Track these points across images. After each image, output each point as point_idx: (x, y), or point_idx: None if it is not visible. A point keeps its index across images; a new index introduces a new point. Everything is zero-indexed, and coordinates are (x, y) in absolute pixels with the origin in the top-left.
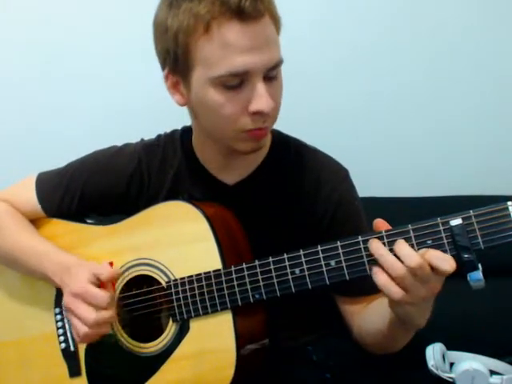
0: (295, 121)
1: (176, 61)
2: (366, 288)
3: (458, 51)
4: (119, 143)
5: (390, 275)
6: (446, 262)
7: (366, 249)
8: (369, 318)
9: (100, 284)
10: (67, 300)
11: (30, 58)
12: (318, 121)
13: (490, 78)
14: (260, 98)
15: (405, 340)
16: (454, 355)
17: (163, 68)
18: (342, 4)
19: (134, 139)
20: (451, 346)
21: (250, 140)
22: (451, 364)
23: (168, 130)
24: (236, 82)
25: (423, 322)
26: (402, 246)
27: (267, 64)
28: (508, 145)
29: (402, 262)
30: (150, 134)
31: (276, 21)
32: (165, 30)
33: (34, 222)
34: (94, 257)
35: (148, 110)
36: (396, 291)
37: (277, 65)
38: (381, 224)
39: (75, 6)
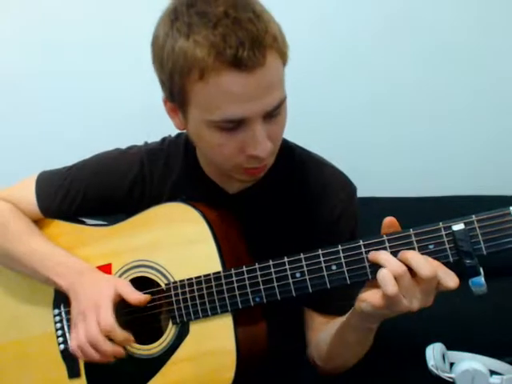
0: (295, 121)
1: (172, 95)
2: (339, 308)
3: (459, 51)
4: (120, 144)
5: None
6: (451, 279)
7: (368, 253)
8: (327, 330)
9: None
10: (86, 304)
11: (31, 58)
12: (318, 121)
13: (490, 78)
14: (257, 144)
15: (359, 351)
16: (454, 355)
17: (162, 91)
18: (342, 4)
19: (135, 140)
20: (451, 346)
21: (248, 174)
22: (451, 364)
23: (171, 132)
24: (233, 126)
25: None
26: (413, 254)
27: (266, 109)
28: (508, 145)
29: (414, 271)
30: (151, 136)
31: (282, 55)
32: (160, 62)
33: (34, 222)
34: (92, 258)
35: (150, 111)
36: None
37: (279, 105)
38: (389, 223)
39: (75, 5)
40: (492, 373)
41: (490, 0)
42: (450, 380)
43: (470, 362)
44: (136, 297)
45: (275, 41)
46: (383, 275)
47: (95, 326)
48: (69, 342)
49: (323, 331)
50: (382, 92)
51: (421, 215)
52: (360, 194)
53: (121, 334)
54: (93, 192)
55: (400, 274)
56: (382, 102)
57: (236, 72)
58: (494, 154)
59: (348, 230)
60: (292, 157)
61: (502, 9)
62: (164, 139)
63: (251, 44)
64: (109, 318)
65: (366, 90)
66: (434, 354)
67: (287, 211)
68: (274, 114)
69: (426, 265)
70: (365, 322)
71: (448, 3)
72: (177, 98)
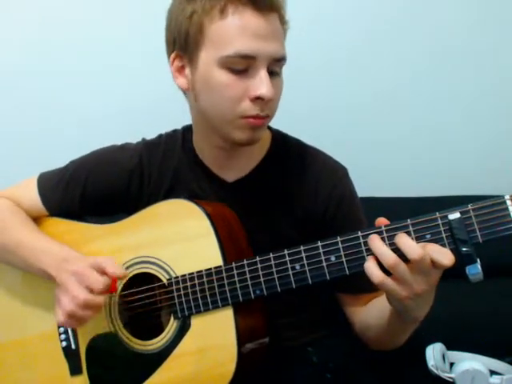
0: (295, 120)
1: (186, 40)
2: (368, 286)
3: (459, 51)
4: (119, 142)
5: (386, 267)
6: (444, 256)
7: (366, 244)
8: (369, 313)
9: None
10: (62, 275)
11: (30, 57)
12: (318, 120)
13: (490, 78)
14: (262, 84)
15: (404, 335)
16: (454, 355)
17: (171, 52)
18: (344, 1)
19: (134, 138)
20: (451, 346)
21: (247, 128)
22: (451, 364)
23: (168, 130)
24: (242, 67)
25: (422, 314)
26: (404, 239)
27: (274, 54)
28: (508, 145)
29: (404, 255)
30: (150, 134)
31: (283, 23)
32: (179, 13)
33: (36, 221)
34: (95, 255)
35: (149, 110)
36: (391, 285)
37: (282, 59)
38: (383, 223)
39: (75, 5)
40: (492, 373)
41: (491, 0)
42: (450, 380)
43: (470, 362)
44: (113, 264)
45: (283, 7)
46: (366, 268)
47: (80, 290)
48: (71, 339)
49: (364, 316)
50: (383, 91)
51: (421, 215)
52: (360, 193)
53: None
54: (92, 188)
55: (392, 264)
56: (382, 101)
57: (251, 10)
58: (494, 154)
59: (353, 210)
60: (287, 146)
61: (503, 9)
62: (161, 135)
63: None
64: (97, 279)
65: (367, 89)
66: (434, 354)
67: (285, 198)
68: (275, 70)
69: (413, 248)
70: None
71: (449, 3)
72: (191, 42)
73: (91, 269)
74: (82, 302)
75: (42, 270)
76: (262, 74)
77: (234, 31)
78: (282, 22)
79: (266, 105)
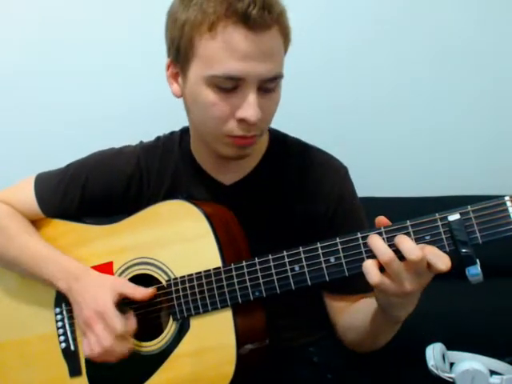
0: (295, 120)
1: (178, 51)
2: (357, 287)
3: (459, 51)
4: (119, 143)
5: (381, 263)
6: (441, 260)
7: (366, 245)
8: (353, 314)
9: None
10: (88, 314)
11: (30, 57)
12: (318, 120)
13: (491, 78)
14: (248, 107)
15: (385, 337)
16: (454, 355)
17: (168, 56)
18: (345, 1)
19: (133, 138)
20: (451, 346)
21: (234, 146)
22: (451, 364)
23: (167, 131)
24: (230, 86)
25: (404, 314)
26: (403, 239)
27: (264, 75)
28: (508, 145)
29: (403, 255)
30: (150, 134)
31: (285, 35)
32: (174, 20)
33: (34, 222)
34: (94, 256)
35: (148, 110)
36: (384, 282)
37: (274, 78)
38: (383, 221)
39: (75, 4)
40: (492, 373)
41: (492, 1)
42: (450, 380)
43: (470, 362)
44: (141, 293)
45: (281, 16)
46: (364, 266)
47: (105, 335)
48: (70, 340)
49: (349, 316)
50: (383, 91)
51: (421, 215)
52: (360, 193)
53: (132, 327)
54: (91, 191)
55: (387, 261)
56: (382, 101)
57: (242, 29)
58: (494, 154)
59: (353, 209)
60: (285, 146)
61: (503, 9)
62: (158, 137)
63: (262, 5)
64: (117, 324)
65: (367, 89)
66: (434, 354)
67: (284, 199)
68: (268, 88)
69: (412, 249)
70: (386, 308)
71: (449, 3)
72: (182, 53)
73: (114, 308)
74: (108, 347)
75: (48, 281)
76: (250, 96)
77: (222, 51)
78: (284, 32)
79: (253, 126)
